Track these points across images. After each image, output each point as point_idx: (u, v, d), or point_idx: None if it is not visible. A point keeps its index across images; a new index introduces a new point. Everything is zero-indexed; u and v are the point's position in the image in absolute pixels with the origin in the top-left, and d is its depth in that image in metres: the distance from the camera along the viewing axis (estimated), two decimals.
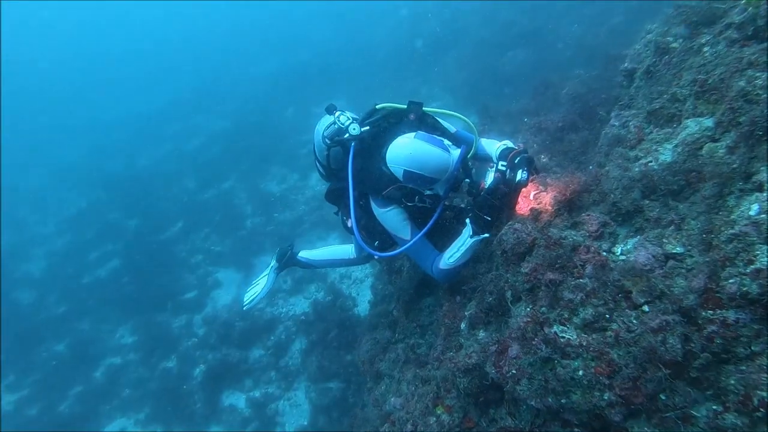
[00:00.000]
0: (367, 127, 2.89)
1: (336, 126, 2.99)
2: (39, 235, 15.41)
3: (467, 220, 2.72)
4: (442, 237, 3.11)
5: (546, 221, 2.45)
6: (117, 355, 9.31)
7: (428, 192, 2.81)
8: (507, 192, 2.61)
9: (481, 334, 2.56)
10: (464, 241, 2.75)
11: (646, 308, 1.93)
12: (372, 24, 18.75)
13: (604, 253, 2.23)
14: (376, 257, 2.98)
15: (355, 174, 2.85)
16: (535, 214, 2.54)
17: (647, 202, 2.31)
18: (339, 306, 7.74)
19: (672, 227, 2.14)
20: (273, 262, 4.16)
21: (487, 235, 2.65)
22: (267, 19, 27.65)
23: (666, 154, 2.45)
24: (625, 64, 3.56)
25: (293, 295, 8.75)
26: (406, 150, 2.65)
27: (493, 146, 3.14)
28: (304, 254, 4.19)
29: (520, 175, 2.62)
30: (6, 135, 23.46)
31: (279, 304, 8.69)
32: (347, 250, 4.06)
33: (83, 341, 9.74)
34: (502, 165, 2.71)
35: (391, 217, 2.88)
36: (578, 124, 4.13)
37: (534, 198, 2.66)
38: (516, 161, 2.79)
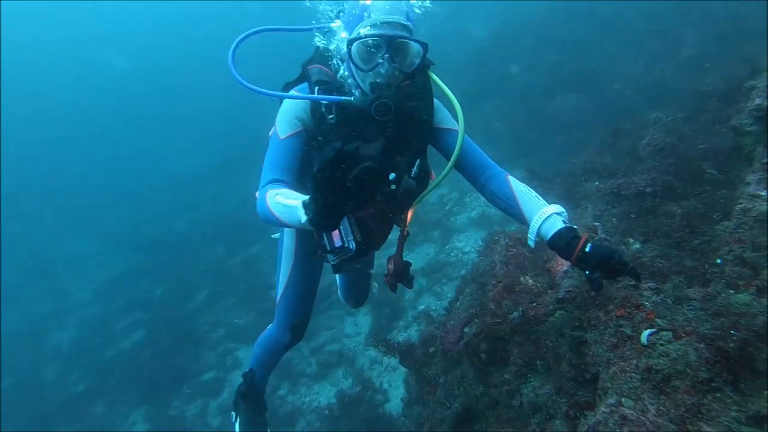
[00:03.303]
0: None
1: None
2: (75, 303, 15.26)
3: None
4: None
5: (690, 403, 1.25)
6: None
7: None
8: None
9: None
10: (293, 209, 1.75)
11: None
12: None
13: None
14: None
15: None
16: (658, 380, 1.35)
17: None
18: (367, 401, 6.49)
19: None
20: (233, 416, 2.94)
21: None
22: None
23: None
24: (756, 101, 2.38)
25: (318, 380, 7.63)
26: None
27: (534, 207, 2.02)
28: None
29: None
30: (53, 201, 24.37)
31: (302, 392, 7.56)
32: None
33: (92, 428, 8.89)
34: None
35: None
36: (676, 188, 2.92)
37: (649, 343, 1.47)
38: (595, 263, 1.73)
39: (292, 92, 2.08)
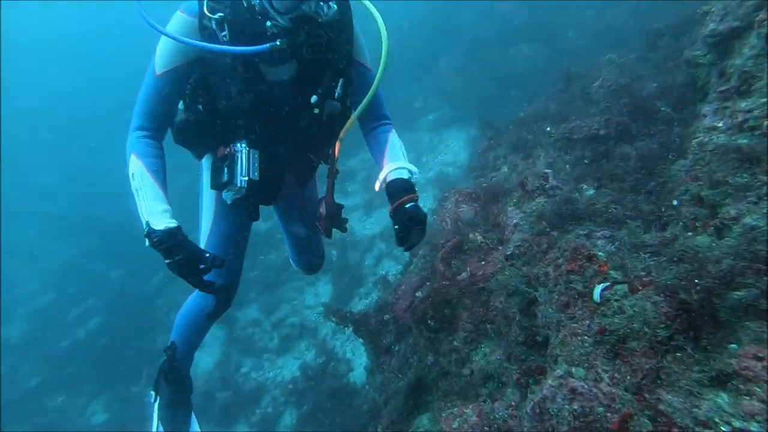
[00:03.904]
0: None
1: None
2: (24, 293, 14.47)
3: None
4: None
5: (648, 368, 1.06)
6: None
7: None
8: None
9: None
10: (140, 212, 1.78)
11: None
12: None
13: None
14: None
15: None
16: (612, 342, 1.15)
17: None
18: (331, 371, 6.36)
19: None
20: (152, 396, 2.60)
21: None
22: None
23: None
24: (711, 26, 2.18)
25: (281, 354, 7.43)
26: None
27: (394, 159, 2.02)
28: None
29: None
30: None
31: (265, 367, 7.37)
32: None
33: (49, 424, 8.49)
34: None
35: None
36: (630, 129, 2.74)
37: (602, 299, 1.28)
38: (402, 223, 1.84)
39: (183, 16, 1.75)
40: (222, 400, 7.10)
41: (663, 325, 1.08)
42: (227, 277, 2.30)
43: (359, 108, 1.93)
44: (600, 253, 1.41)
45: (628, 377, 1.06)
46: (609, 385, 1.06)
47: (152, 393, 2.43)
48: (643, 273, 1.21)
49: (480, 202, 3.00)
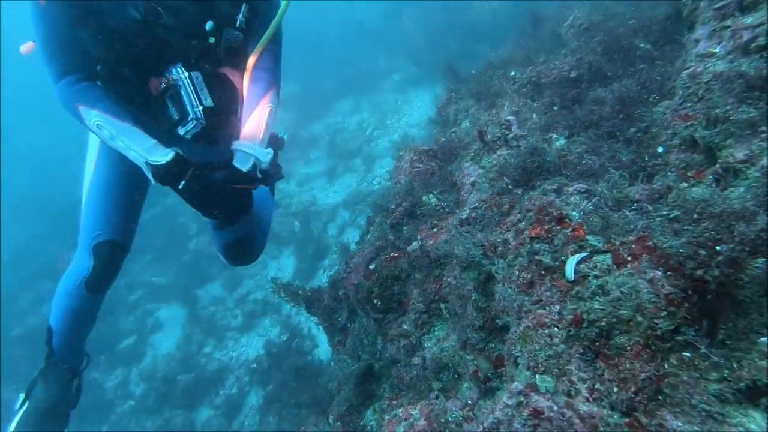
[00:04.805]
0: None
1: None
2: None
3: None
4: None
5: (644, 377, 0.72)
6: None
7: None
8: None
9: None
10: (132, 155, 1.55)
11: None
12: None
13: None
14: None
15: None
16: (591, 338, 0.81)
17: None
18: (296, 348, 6.07)
19: None
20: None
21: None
22: None
23: None
24: None
25: (245, 332, 7.10)
26: None
27: (248, 134, 1.69)
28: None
29: None
30: None
31: (229, 346, 7.04)
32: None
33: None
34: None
35: None
36: (605, 70, 2.39)
37: (577, 275, 0.93)
38: None
39: None
40: (184, 383, 6.76)
41: (664, 313, 0.74)
42: (111, 229, 1.89)
43: (264, 36, 1.63)
44: (573, 213, 1.06)
45: (616, 390, 0.72)
46: (588, 401, 0.73)
47: (21, 396, 1.94)
48: (632, 238, 0.87)
49: (437, 161, 2.64)
